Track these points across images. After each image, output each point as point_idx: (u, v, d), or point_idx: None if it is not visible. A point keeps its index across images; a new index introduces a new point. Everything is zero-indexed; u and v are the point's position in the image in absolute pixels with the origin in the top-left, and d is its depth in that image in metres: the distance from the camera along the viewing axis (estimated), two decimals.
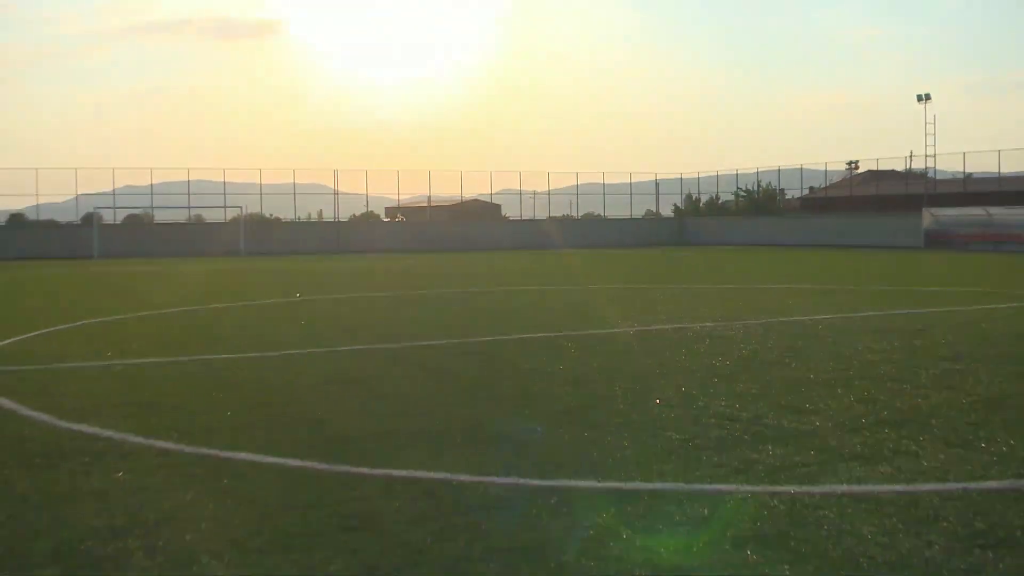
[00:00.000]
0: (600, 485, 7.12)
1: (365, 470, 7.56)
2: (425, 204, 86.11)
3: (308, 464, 7.79)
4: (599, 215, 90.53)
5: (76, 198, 73.75)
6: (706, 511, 6.47)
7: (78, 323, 19.38)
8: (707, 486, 7.06)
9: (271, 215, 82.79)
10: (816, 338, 15.40)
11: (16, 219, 76.97)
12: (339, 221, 79.78)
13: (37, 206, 76.99)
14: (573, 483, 7.17)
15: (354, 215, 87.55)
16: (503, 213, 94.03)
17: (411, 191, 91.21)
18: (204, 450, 8.28)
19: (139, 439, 8.73)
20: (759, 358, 13.31)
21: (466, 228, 79.36)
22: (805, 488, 6.98)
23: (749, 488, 6.98)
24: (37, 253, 63.33)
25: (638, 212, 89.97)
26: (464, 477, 7.31)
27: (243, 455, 8.10)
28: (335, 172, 78.32)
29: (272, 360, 13.95)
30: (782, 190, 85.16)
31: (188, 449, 8.34)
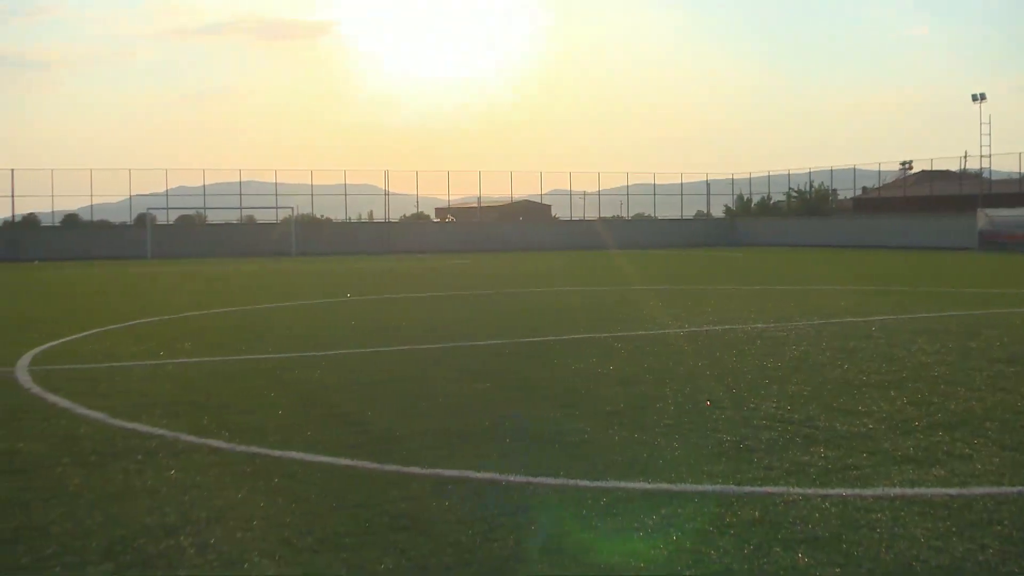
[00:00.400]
0: (650, 486, 7.09)
1: (415, 470, 7.58)
2: (475, 205, 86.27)
3: (358, 463, 7.82)
4: (649, 216, 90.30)
5: (129, 199, 74.45)
6: (757, 513, 6.43)
7: (131, 323, 19.56)
8: (758, 488, 7.02)
9: (322, 216, 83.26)
10: (869, 339, 15.27)
11: (70, 219, 77.80)
12: (389, 222, 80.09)
13: (91, 206, 77.84)
14: (623, 484, 7.14)
15: (404, 215, 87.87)
16: (553, 214, 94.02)
17: (461, 192, 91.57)
18: (255, 449, 8.33)
19: (191, 438, 8.80)
20: (811, 359, 13.22)
21: (516, 229, 79.46)
22: (857, 491, 6.93)
23: (800, 491, 6.93)
24: (91, 253, 64.00)
25: (689, 213, 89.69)
26: (513, 478, 7.31)
27: (293, 454, 8.14)
28: (386, 173, 78.64)
29: (322, 360, 14.01)
30: (834, 190, 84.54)
31: (239, 448, 8.39)
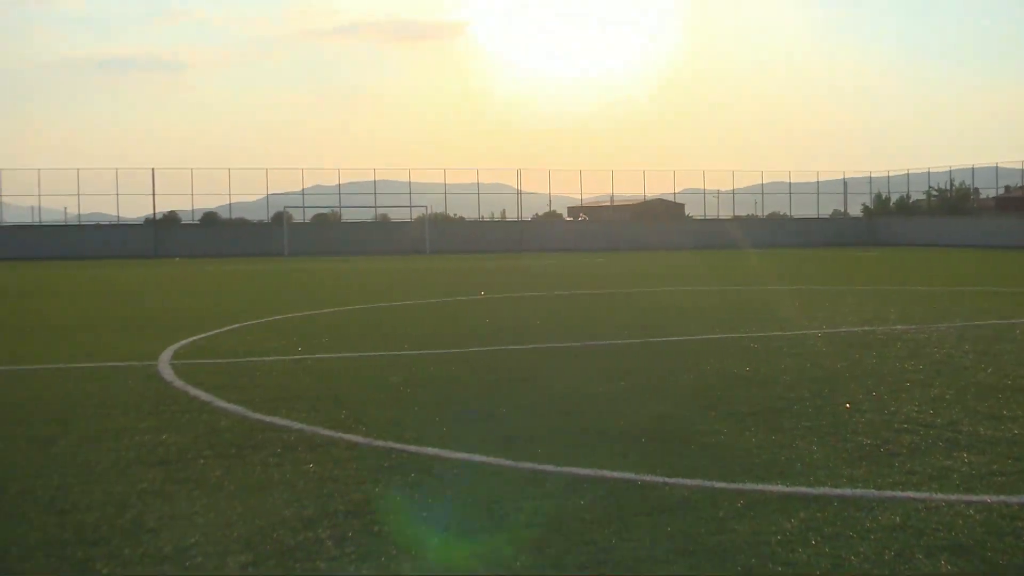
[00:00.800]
0: (788, 489, 6.98)
1: (550, 467, 7.57)
2: (608, 203, 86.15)
3: (492, 460, 7.84)
4: (785, 215, 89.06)
5: (267, 197, 76.08)
6: (898, 519, 6.28)
7: (269, 318, 19.93)
8: (899, 493, 6.86)
9: (455, 214, 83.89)
10: (1013, 342, 14.85)
11: (209, 217, 79.70)
12: (522, 220, 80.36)
13: (230, 205, 79.59)
14: (760, 487, 7.04)
15: (537, 214, 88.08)
16: (686, 212, 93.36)
17: (594, 190, 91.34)
18: (392, 444, 8.41)
19: (328, 432, 8.92)
20: (953, 362, 12.89)
21: (648, 228, 79.03)
22: (1002, 498, 6.73)
23: (943, 497, 6.75)
24: (229, 251, 65.43)
25: (825, 212, 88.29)
26: (649, 477, 7.25)
27: (429, 450, 8.19)
28: (518, 172, 79.06)
29: (457, 356, 14.10)
30: (976, 189, 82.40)
31: (376, 443, 8.47)
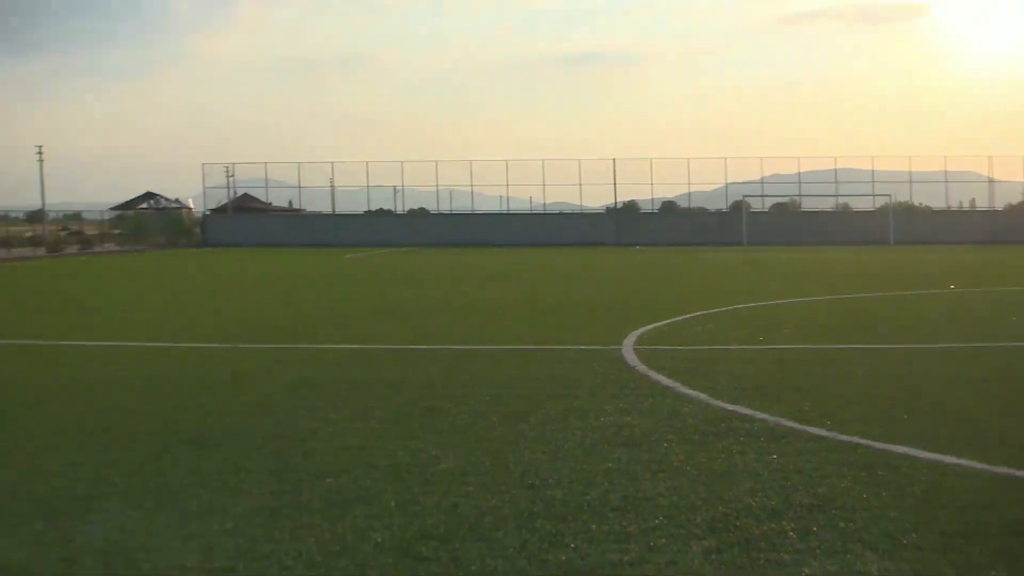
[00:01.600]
0: None
1: None
2: None
3: (965, 462, 7.47)
4: None
5: (725, 186, 76.35)
6: None
7: (731, 307, 19.97)
8: None
9: (920, 203, 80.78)
10: None
11: (668, 206, 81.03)
12: (994, 210, 76.23)
13: (688, 194, 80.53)
14: None
15: (1010, 204, 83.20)
16: None
17: None
18: (857, 440, 8.20)
19: (792, 423, 8.82)
20: None
21: None
22: None
23: None
24: (687, 239, 66.07)
25: None
26: None
27: (897, 447, 7.92)
28: (990, 159, 75.02)
29: (926, 353, 13.60)
30: None
31: (841, 437, 8.30)
